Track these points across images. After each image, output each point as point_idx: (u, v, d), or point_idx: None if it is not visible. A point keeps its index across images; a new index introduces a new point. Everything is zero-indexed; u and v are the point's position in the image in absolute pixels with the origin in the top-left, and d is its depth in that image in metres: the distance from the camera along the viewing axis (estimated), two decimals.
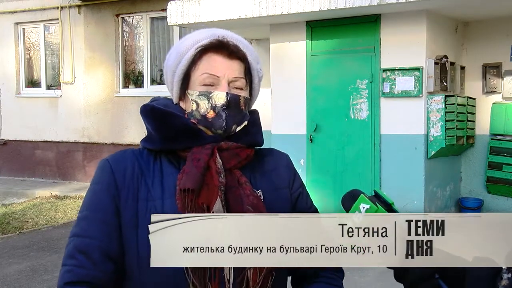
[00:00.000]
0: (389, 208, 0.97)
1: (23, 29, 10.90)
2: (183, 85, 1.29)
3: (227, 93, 1.25)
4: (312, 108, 6.86)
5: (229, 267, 1.15)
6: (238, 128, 1.28)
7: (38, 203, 8.50)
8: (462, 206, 6.93)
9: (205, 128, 1.27)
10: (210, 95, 1.25)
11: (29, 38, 11.04)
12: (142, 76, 9.69)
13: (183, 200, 1.18)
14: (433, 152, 6.19)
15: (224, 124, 1.25)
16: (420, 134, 6.22)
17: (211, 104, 1.25)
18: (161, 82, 9.43)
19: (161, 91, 8.99)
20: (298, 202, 1.37)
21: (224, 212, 1.17)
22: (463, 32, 7.04)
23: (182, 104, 1.32)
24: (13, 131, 10.91)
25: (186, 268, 1.13)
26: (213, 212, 1.15)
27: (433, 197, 6.44)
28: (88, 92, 10.00)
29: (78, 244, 1.20)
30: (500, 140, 6.74)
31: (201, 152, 1.23)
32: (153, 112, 1.29)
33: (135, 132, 9.41)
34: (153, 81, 9.62)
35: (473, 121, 6.83)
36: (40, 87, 10.77)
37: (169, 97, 1.38)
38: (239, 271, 1.16)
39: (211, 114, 1.25)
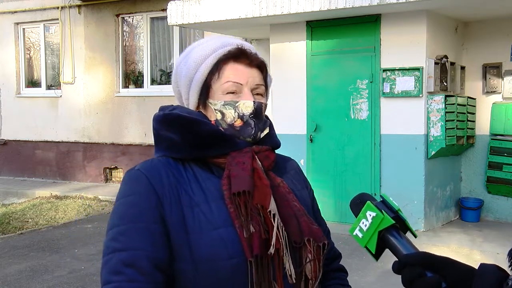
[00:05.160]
0: (396, 215, 0.98)
1: (23, 29, 10.91)
2: (202, 95, 1.29)
3: (254, 101, 1.27)
4: (312, 108, 6.86)
5: (289, 263, 1.17)
6: (263, 134, 1.31)
7: (38, 203, 8.50)
8: (462, 206, 6.93)
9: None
10: (236, 104, 1.26)
11: (29, 38, 11.04)
12: (142, 76, 9.68)
13: (235, 203, 1.17)
14: (433, 152, 6.19)
15: (253, 132, 1.27)
16: (420, 134, 6.22)
17: (238, 113, 1.26)
18: (161, 82, 9.42)
19: (161, 91, 8.97)
20: (314, 203, 1.42)
21: (277, 210, 1.19)
22: (463, 32, 7.04)
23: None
24: (13, 131, 10.92)
25: (251, 267, 1.13)
26: (269, 211, 1.17)
27: (433, 197, 6.45)
28: (88, 92, 10.00)
29: (123, 257, 1.11)
30: (500, 140, 6.74)
31: (242, 156, 1.24)
32: (179, 120, 1.25)
33: (135, 132, 9.40)
34: (153, 81, 9.61)
35: (473, 121, 6.83)
36: (40, 87, 10.77)
37: (172, 103, 1.37)
38: (298, 266, 1.19)
39: (238, 123, 1.26)
